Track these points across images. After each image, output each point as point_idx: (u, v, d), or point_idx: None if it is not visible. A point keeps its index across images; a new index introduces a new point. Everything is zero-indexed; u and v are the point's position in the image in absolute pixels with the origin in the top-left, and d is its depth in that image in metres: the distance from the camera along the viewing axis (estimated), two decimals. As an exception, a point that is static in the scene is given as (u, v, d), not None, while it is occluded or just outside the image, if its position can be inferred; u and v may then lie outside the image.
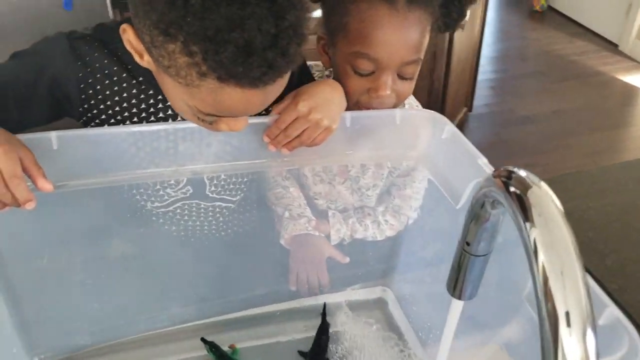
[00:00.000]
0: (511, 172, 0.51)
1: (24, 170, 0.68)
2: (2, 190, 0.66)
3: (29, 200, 0.67)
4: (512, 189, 0.50)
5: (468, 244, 0.63)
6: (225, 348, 1.00)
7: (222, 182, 0.96)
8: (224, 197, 0.98)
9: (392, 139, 0.93)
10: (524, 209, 0.47)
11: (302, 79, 0.93)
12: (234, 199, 0.99)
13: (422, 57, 0.89)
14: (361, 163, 1.00)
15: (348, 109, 0.90)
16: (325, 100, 0.83)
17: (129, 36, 0.68)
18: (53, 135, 0.77)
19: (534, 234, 0.45)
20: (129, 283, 0.99)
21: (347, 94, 0.90)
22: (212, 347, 0.99)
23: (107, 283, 0.98)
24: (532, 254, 0.45)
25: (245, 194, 1.01)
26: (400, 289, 1.11)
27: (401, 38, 0.85)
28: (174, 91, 0.69)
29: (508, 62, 3.90)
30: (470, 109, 3.14)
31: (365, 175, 1.02)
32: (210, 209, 0.99)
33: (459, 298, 0.69)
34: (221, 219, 1.02)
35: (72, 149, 0.79)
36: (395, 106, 0.92)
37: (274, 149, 0.85)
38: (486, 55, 3.76)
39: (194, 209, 0.98)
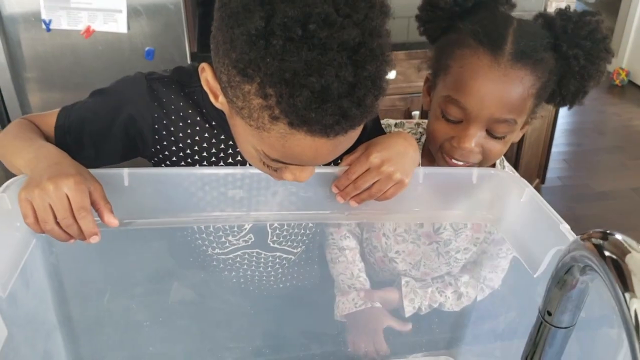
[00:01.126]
0: (606, 234, 0.46)
1: (93, 203, 0.68)
2: (70, 221, 0.66)
3: (94, 234, 0.67)
4: (607, 253, 0.45)
5: (550, 313, 0.57)
6: (278, 407, 0.95)
7: (285, 233, 0.94)
8: (285, 247, 0.96)
9: (467, 199, 0.88)
10: (621, 276, 0.43)
11: (373, 133, 0.92)
12: (295, 250, 0.97)
13: (518, 120, 0.84)
14: (443, 223, 0.96)
15: (428, 156, 0.86)
16: (398, 153, 0.81)
17: (207, 75, 0.69)
18: (125, 172, 0.78)
19: (635, 305, 0.40)
20: (186, 329, 0.98)
21: (432, 137, 0.88)
22: (264, 404, 0.95)
23: (164, 327, 0.97)
24: (632, 328, 0.39)
25: (307, 245, 0.99)
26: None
27: (496, 92, 0.81)
28: (244, 134, 0.68)
29: (584, 135, 3.78)
30: (542, 181, 3.04)
31: (459, 238, 0.98)
32: (270, 258, 0.97)
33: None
34: (280, 270, 0.99)
35: (142, 187, 0.80)
36: (480, 165, 0.88)
37: (342, 201, 0.82)
38: (561, 128, 3.66)
39: (254, 258, 0.96)
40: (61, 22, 1.86)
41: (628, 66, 4.28)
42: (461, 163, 0.88)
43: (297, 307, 1.02)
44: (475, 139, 0.84)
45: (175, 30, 1.89)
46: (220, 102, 0.69)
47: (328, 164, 0.89)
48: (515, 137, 0.89)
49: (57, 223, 0.67)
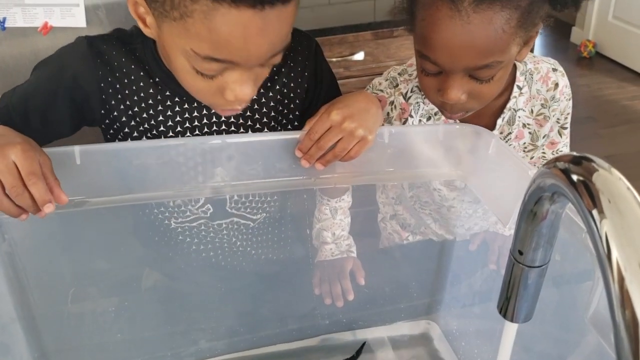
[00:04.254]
0: (574, 157, 0.43)
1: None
2: (19, 189, 0.61)
3: (47, 201, 0.63)
4: (574, 176, 0.42)
5: (521, 252, 0.55)
6: (255, 386, 0.92)
7: (243, 199, 0.90)
8: (244, 214, 0.92)
9: (435, 156, 0.86)
10: (590, 196, 0.40)
11: (332, 95, 0.89)
12: (255, 217, 0.94)
13: (501, 58, 0.75)
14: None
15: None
16: (360, 109, 0.78)
17: None
18: (76, 149, 0.74)
19: (606, 226, 0.37)
20: (155, 313, 0.94)
21: (424, 92, 0.85)
22: (241, 384, 0.91)
23: (131, 312, 0.93)
24: (603, 251, 0.36)
25: (268, 213, 0.96)
26: (447, 323, 1.01)
27: (463, 43, 0.73)
28: (172, 41, 0.66)
29: (556, 107, 3.79)
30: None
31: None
32: (224, 225, 0.93)
33: (513, 320, 0.61)
34: (241, 237, 0.96)
35: (95, 164, 0.76)
36: (478, 107, 0.83)
37: (307, 165, 0.79)
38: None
39: (216, 226, 0.92)
40: (16, 20, 1.79)
41: (594, 37, 4.31)
42: (458, 114, 0.84)
43: (271, 283, 0.99)
44: (458, 90, 0.78)
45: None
46: (149, 23, 0.69)
47: (282, 127, 0.87)
48: (513, 61, 0.82)
49: (6, 195, 0.62)
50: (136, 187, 0.79)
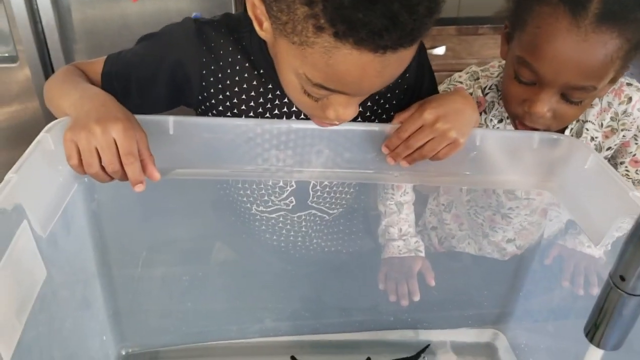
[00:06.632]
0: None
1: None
2: (116, 167, 0.63)
3: (139, 182, 0.64)
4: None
5: (623, 278, 0.52)
6: (314, 372, 0.93)
7: (325, 195, 0.90)
8: (322, 207, 0.92)
9: (526, 164, 0.83)
10: None
11: (429, 92, 0.87)
12: (331, 211, 0.94)
13: (597, 85, 0.76)
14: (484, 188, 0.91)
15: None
16: (454, 110, 0.76)
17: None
18: (170, 119, 0.75)
19: None
20: (226, 287, 0.96)
21: (504, 97, 0.83)
22: (301, 368, 0.92)
23: (203, 284, 0.95)
24: None
25: (345, 208, 0.95)
26: (515, 336, 0.99)
27: (573, 59, 0.73)
28: (287, 57, 0.64)
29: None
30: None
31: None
32: (303, 217, 0.93)
33: (599, 346, 0.58)
34: (316, 228, 0.96)
35: (187, 136, 0.77)
36: (556, 128, 0.82)
37: (393, 162, 0.78)
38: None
39: (295, 220, 0.93)
40: (109, -15, 1.85)
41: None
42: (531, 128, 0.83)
43: (338, 273, 0.99)
44: (547, 104, 0.78)
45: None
46: (264, 28, 0.66)
47: (376, 116, 0.86)
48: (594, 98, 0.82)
49: (102, 167, 0.65)
50: (223, 163, 0.80)
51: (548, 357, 0.91)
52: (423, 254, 0.98)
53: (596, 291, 0.89)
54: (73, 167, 0.65)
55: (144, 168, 0.66)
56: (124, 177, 0.65)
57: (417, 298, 0.94)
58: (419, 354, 0.96)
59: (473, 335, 1.00)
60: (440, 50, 2.08)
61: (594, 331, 0.58)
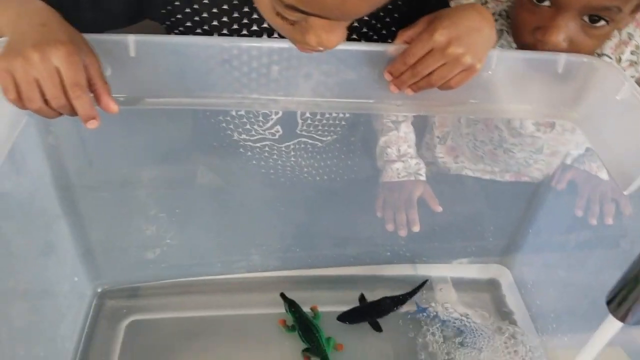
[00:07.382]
0: None
1: (87, 80, 0.54)
2: (62, 101, 0.53)
3: (92, 118, 0.54)
4: None
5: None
6: (306, 309, 0.87)
7: (316, 123, 0.80)
8: (314, 135, 0.82)
9: (547, 91, 0.72)
10: None
11: (438, 5, 0.73)
12: (324, 138, 0.83)
13: (624, 7, 0.66)
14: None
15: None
16: (470, 29, 0.63)
17: None
18: (131, 39, 0.63)
19: None
20: (208, 220, 0.89)
21: (515, 26, 0.73)
22: (291, 306, 0.86)
23: (183, 217, 0.87)
24: None
25: (339, 135, 0.85)
26: (522, 273, 0.92)
27: None
28: None
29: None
30: None
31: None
32: (292, 146, 0.84)
33: (622, 320, 0.52)
34: (306, 156, 0.87)
35: (152, 58, 0.65)
36: None
37: (396, 91, 0.66)
38: None
39: (284, 149, 0.83)
40: None
41: None
42: None
43: (332, 203, 0.91)
44: (563, 32, 0.68)
45: None
46: None
47: (375, 32, 0.74)
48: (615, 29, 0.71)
49: (46, 101, 0.54)
50: (196, 90, 0.69)
51: (556, 299, 0.84)
52: (424, 177, 0.90)
53: (611, 221, 0.82)
54: (12, 102, 0.55)
55: (97, 99, 0.55)
56: (73, 112, 0.54)
57: (416, 228, 0.87)
58: (416, 290, 0.90)
59: (475, 271, 0.94)
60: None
61: (618, 303, 0.51)
